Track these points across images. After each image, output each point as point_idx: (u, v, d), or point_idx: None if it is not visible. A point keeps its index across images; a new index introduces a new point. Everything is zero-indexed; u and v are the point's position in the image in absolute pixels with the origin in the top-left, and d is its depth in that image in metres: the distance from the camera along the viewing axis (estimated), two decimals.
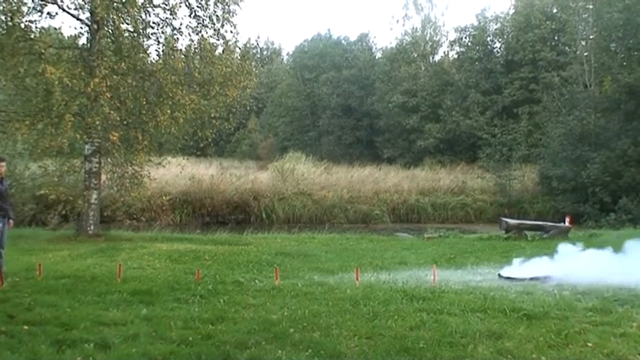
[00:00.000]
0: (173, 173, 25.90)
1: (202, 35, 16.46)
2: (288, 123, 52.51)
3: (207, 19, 16.36)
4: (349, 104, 47.79)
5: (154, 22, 16.07)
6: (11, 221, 9.36)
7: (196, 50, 16.68)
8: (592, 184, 25.10)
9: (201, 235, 17.95)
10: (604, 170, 24.87)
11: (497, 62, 40.91)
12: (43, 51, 14.48)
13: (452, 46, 46.11)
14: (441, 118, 41.66)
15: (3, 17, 14.15)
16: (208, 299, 7.45)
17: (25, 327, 5.94)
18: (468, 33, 43.20)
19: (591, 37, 29.43)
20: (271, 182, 29.23)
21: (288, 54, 67.47)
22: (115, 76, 14.88)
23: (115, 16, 14.72)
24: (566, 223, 17.58)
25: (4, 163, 9.06)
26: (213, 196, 26.39)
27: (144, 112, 15.65)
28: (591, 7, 28.76)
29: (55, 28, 20.28)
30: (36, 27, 15.47)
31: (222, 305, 7.10)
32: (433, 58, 47.68)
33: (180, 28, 16.35)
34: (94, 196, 15.63)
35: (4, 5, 14.05)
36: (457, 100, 41.31)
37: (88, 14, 15.58)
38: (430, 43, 47.22)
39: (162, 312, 6.71)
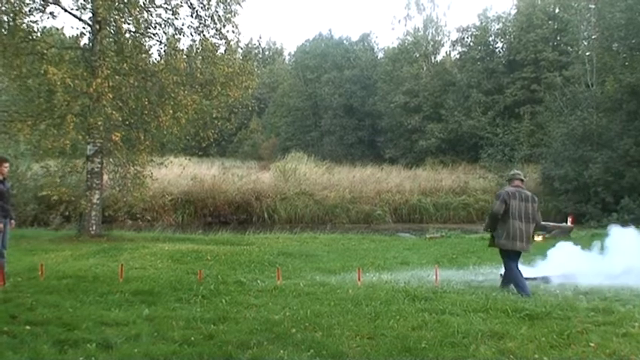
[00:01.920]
0: (175, 173, 25.93)
1: (204, 35, 16.49)
2: (290, 123, 52.51)
3: (209, 19, 16.38)
4: (351, 104, 47.79)
5: (155, 23, 16.12)
6: (13, 222, 9.37)
7: (198, 50, 16.70)
8: (594, 184, 25.06)
9: (203, 235, 17.97)
10: (606, 170, 24.83)
11: (499, 62, 40.91)
12: (45, 51, 14.51)
13: (454, 46, 46.22)
14: (442, 118, 41.66)
15: (5, 18, 14.18)
16: (210, 299, 7.44)
17: (27, 327, 5.93)
18: (469, 33, 43.24)
19: (593, 36, 29.38)
20: (273, 182, 29.25)
21: (289, 54, 67.61)
22: (117, 77, 14.90)
23: (117, 17, 14.74)
24: (569, 223, 17.58)
25: (7, 164, 9.05)
26: (215, 197, 26.40)
27: (146, 112, 15.69)
28: (593, 6, 28.71)
29: (57, 29, 20.35)
30: (38, 27, 15.54)
31: (224, 305, 7.09)
32: (435, 58, 47.71)
33: (181, 29, 16.40)
34: (96, 196, 15.65)
35: (7, 6, 14.08)
36: (459, 100, 41.30)
37: (89, 14, 15.60)
38: (432, 43, 47.23)
39: (164, 312, 6.70)
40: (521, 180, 8.58)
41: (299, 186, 28.81)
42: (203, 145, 18.49)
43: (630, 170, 24.39)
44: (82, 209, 15.95)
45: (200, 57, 16.66)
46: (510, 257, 8.39)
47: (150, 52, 16.72)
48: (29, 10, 14.82)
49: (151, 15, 15.99)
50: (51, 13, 15.31)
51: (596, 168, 24.95)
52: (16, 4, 14.24)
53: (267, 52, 71.90)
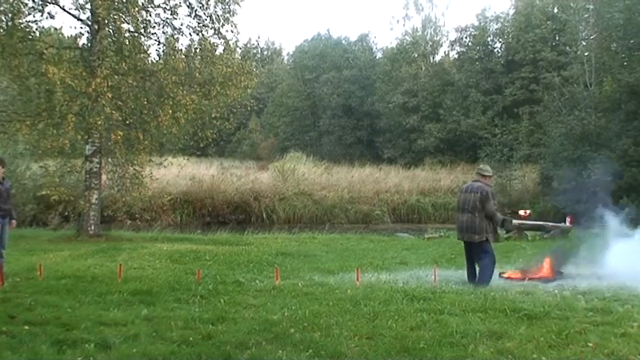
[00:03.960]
0: (174, 173, 25.93)
1: (203, 35, 16.47)
2: (288, 123, 52.50)
3: (208, 19, 16.36)
4: (350, 104, 47.79)
5: (154, 22, 16.09)
6: (13, 221, 9.36)
7: (197, 50, 16.69)
8: (593, 185, 25.07)
9: (202, 235, 17.97)
10: (605, 170, 24.83)
11: (498, 62, 40.92)
12: (44, 51, 14.49)
13: (452, 46, 46.22)
14: (441, 118, 41.69)
15: (4, 18, 14.16)
16: (209, 299, 7.45)
17: (26, 327, 5.94)
18: (468, 33, 43.24)
19: (592, 37, 29.39)
20: (272, 182, 29.24)
21: (288, 54, 67.46)
22: (116, 77, 14.89)
23: (116, 16, 14.72)
24: (567, 223, 17.57)
25: (2, 168, 9.05)
26: (213, 197, 26.39)
27: (145, 112, 15.67)
28: (592, 7, 28.72)
29: (56, 29, 20.33)
30: (37, 27, 15.49)
31: (223, 305, 7.09)
32: (434, 58, 47.73)
33: (180, 28, 16.38)
34: (95, 196, 15.64)
35: (5, 6, 14.05)
36: (457, 99, 41.31)
37: (88, 14, 15.58)
38: (430, 43, 47.24)
39: (162, 312, 6.70)
40: (482, 175, 9.07)
41: (297, 186, 28.81)
42: (202, 145, 18.50)
43: (629, 170, 24.38)
44: (80, 209, 15.94)
45: (199, 57, 16.65)
46: (465, 248, 9.27)
47: (149, 52, 16.72)
48: (28, 10, 14.79)
49: (150, 15, 15.98)
50: (49, 13, 15.30)
51: (595, 168, 24.95)
52: (14, 4, 14.21)
53: (265, 52, 71.76)
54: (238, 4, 16.53)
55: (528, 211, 16.94)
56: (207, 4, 16.29)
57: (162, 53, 16.78)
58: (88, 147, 15.64)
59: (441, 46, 48.05)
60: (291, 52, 63.66)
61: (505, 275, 9.68)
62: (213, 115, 16.81)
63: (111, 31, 15.54)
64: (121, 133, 14.82)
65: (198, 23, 16.41)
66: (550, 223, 17.88)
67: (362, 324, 6.20)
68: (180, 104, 15.35)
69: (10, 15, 14.09)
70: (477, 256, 9.08)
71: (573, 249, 10.76)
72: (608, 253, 9.88)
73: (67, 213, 17.31)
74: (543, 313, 6.57)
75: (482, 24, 43.11)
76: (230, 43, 17.16)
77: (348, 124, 47.73)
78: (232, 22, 16.51)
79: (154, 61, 16.91)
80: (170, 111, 15.36)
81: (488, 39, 42.98)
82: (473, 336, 5.67)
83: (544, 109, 33.36)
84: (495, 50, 42.95)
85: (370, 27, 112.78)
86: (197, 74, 16.17)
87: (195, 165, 32.12)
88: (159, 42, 16.44)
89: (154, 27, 16.11)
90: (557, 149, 28.04)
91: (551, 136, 29.92)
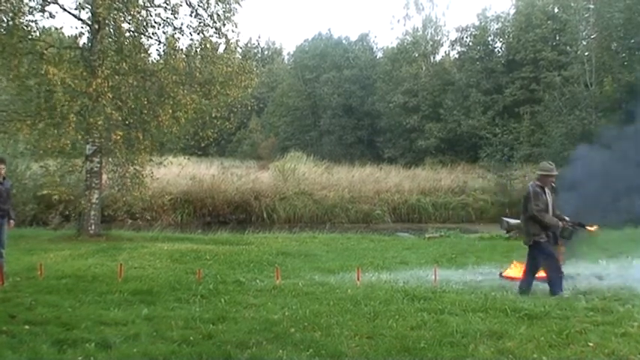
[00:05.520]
0: (174, 173, 25.92)
1: (203, 34, 16.46)
2: (289, 123, 52.52)
3: (209, 18, 16.35)
4: (350, 104, 47.80)
5: (155, 22, 16.08)
6: (12, 221, 9.36)
7: (197, 50, 16.67)
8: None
9: (203, 234, 17.96)
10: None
11: (499, 62, 40.94)
12: (44, 51, 14.48)
13: (453, 45, 46.25)
14: (441, 118, 41.71)
15: (4, 17, 14.14)
16: (209, 299, 7.45)
17: (27, 327, 5.94)
18: (469, 33, 43.27)
19: (592, 36, 29.44)
20: (272, 182, 29.23)
21: (288, 54, 67.51)
22: (116, 76, 14.88)
23: (116, 16, 14.71)
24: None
25: (3, 165, 9.05)
26: (214, 196, 26.38)
27: (145, 111, 15.66)
28: (592, 6, 28.76)
29: (56, 28, 20.32)
30: (37, 27, 15.48)
31: (223, 305, 7.09)
32: (434, 57, 47.74)
33: (181, 28, 16.35)
34: (96, 195, 15.64)
35: (6, 5, 14.04)
36: (458, 99, 41.33)
37: (89, 14, 15.56)
38: (431, 43, 47.24)
39: (163, 312, 6.70)
40: (540, 175, 8.55)
41: (298, 186, 28.80)
42: (202, 144, 18.47)
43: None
44: (81, 209, 15.93)
45: (199, 56, 16.63)
46: None
47: (149, 52, 16.71)
48: (28, 10, 14.78)
49: (150, 14, 15.97)
50: (49, 13, 15.27)
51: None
52: (15, 4, 14.20)
53: (266, 52, 71.75)
54: (239, 3, 16.52)
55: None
56: (208, 3, 16.27)
57: (162, 53, 16.78)
58: (88, 147, 15.63)
59: (442, 45, 48.16)
60: (291, 52, 63.79)
61: (505, 275, 9.66)
62: (213, 115, 16.79)
63: (111, 30, 15.53)
64: (120, 133, 14.80)
65: (199, 22, 16.41)
66: None
67: (362, 323, 6.20)
68: (181, 104, 15.34)
69: (10, 14, 14.07)
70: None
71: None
72: None
73: (67, 212, 17.30)
74: (544, 312, 6.56)
75: (482, 24, 43.13)
76: (231, 42, 17.14)
77: (349, 123, 47.73)
78: (233, 21, 16.51)
79: (155, 61, 16.90)
80: (170, 111, 15.35)
81: (489, 39, 43.02)
82: (473, 336, 5.67)
83: (545, 109, 33.40)
84: (496, 50, 42.99)
85: (371, 27, 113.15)
86: (197, 74, 16.14)
87: (196, 165, 32.09)
88: (159, 42, 16.45)
89: (155, 26, 16.11)
90: (558, 149, 28.04)
91: (551, 135, 29.95)
